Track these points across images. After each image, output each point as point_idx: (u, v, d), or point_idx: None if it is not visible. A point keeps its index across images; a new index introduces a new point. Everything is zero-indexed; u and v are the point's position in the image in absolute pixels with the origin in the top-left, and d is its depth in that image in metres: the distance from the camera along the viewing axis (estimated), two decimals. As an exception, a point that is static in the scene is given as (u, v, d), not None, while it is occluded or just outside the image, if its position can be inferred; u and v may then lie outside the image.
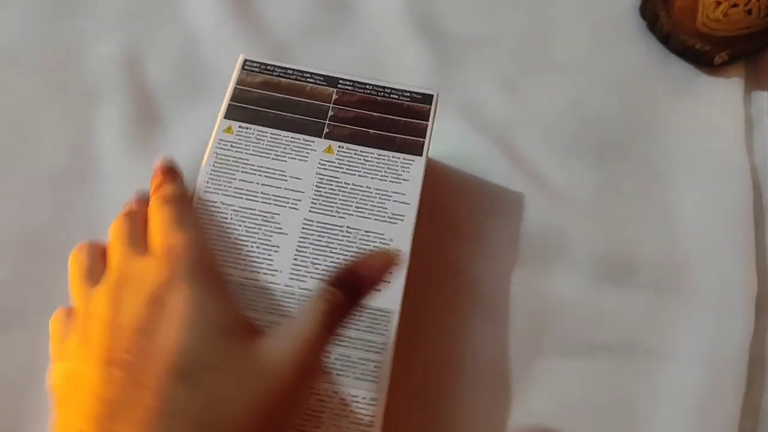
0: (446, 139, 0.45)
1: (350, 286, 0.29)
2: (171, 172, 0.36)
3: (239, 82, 0.39)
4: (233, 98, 0.38)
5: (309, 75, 0.39)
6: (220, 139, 0.37)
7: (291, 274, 0.34)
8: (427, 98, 0.40)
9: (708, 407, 0.38)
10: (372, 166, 0.37)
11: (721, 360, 0.39)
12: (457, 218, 0.43)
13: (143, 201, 0.35)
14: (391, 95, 0.39)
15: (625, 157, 0.45)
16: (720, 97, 0.47)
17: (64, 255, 0.40)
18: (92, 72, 0.46)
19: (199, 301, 0.27)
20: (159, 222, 0.32)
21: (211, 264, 0.31)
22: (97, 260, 0.33)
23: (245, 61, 0.39)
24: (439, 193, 0.43)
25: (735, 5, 0.44)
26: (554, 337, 0.40)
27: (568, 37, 0.50)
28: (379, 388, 0.33)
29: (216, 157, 0.36)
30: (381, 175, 0.37)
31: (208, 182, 0.36)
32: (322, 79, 0.39)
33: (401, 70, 0.48)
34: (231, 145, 0.37)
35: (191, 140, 0.44)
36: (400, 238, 0.36)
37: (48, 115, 0.45)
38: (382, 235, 0.36)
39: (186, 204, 0.34)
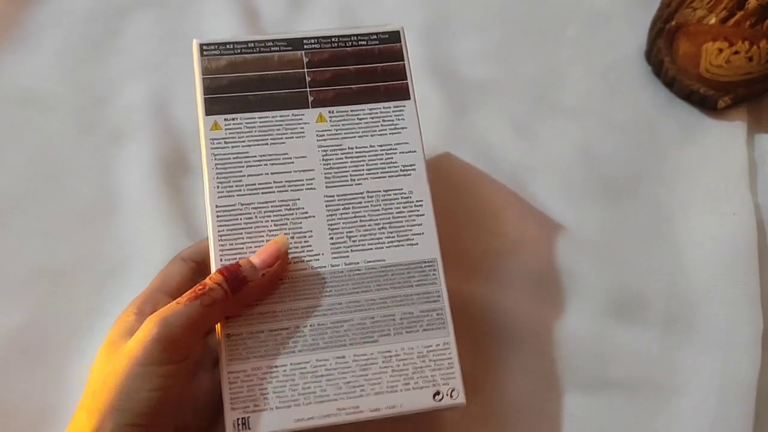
0: (458, 177, 0.46)
1: (229, 276, 0.32)
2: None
3: (204, 71, 0.36)
4: (206, 91, 0.36)
5: (272, 43, 0.37)
6: (211, 139, 0.35)
7: (333, 253, 0.35)
8: (395, 36, 0.39)
9: (717, 443, 0.39)
10: (367, 123, 0.37)
11: (730, 396, 0.39)
12: (469, 256, 0.44)
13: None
14: (360, 42, 0.38)
15: (633, 197, 0.47)
16: (724, 139, 0.49)
17: (86, 293, 0.42)
18: (120, 114, 0.48)
19: (108, 333, 0.34)
20: None
21: (138, 300, 0.35)
22: None
23: (201, 45, 0.37)
24: (451, 232, 0.44)
25: (737, 52, 0.46)
26: (565, 373, 0.41)
27: (577, 81, 0.51)
28: (447, 332, 0.35)
29: (215, 159, 0.35)
30: (379, 130, 0.37)
31: (218, 187, 0.35)
32: (285, 44, 0.37)
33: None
34: (224, 142, 0.35)
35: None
36: (417, 188, 0.36)
37: (76, 155, 0.46)
38: (401, 189, 0.36)
39: (174, 260, 0.38)
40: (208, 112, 0.36)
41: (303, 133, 0.36)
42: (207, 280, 0.32)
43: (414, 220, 0.36)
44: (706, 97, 0.49)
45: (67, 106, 0.48)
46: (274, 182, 0.35)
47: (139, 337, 0.30)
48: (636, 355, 0.41)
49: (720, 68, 0.47)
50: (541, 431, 0.39)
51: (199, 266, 0.37)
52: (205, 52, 0.37)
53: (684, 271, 0.44)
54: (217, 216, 0.34)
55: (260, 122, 0.36)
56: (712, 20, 0.46)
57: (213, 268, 0.34)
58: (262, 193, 0.35)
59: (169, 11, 0.53)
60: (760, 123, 0.50)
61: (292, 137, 0.36)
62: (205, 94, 0.36)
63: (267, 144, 0.36)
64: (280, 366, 0.33)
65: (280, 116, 0.36)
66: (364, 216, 0.35)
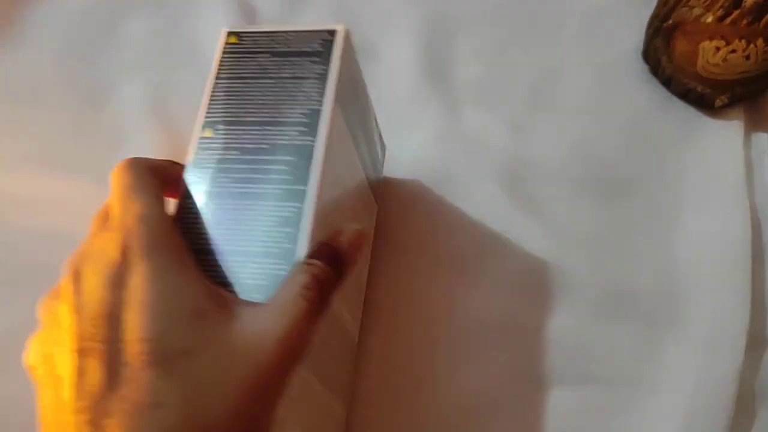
0: (454, 175, 0.46)
1: (332, 259, 0.28)
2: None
3: (343, 60, 0.34)
4: (340, 79, 0.33)
5: None
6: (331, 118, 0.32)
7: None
8: None
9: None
10: None
11: (705, 392, 0.39)
12: (460, 252, 0.44)
13: None
14: None
15: (629, 195, 0.47)
16: (721, 138, 0.48)
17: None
18: (116, 112, 0.48)
19: (162, 281, 0.25)
20: (115, 191, 0.29)
21: (171, 237, 0.27)
22: None
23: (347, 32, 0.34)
24: (443, 228, 0.44)
25: (734, 51, 0.46)
26: (548, 369, 0.41)
27: (574, 79, 0.51)
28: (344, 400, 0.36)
29: (331, 133, 0.32)
30: None
31: (328, 159, 0.31)
32: None
33: (413, 108, 0.49)
34: (334, 144, 0.32)
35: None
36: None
37: (72, 153, 0.46)
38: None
39: (143, 169, 0.29)
40: (338, 99, 0.33)
41: None
42: (320, 274, 0.27)
43: None
44: (703, 95, 0.49)
45: (63, 104, 0.48)
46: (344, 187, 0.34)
47: (286, 341, 0.25)
48: (618, 351, 0.41)
49: (717, 67, 0.47)
50: (520, 426, 0.39)
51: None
52: (346, 44, 0.34)
53: (675, 269, 0.44)
54: (320, 195, 0.31)
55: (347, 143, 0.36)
56: (709, 19, 0.46)
57: (304, 242, 0.29)
58: (336, 192, 0.33)
59: (166, 9, 0.54)
60: (757, 122, 0.50)
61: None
62: (339, 80, 0.33)
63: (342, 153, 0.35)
64: None
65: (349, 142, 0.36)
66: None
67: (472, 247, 0.44)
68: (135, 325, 0.24)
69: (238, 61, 0.35)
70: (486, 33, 0.53)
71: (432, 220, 0.45)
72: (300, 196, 0.30)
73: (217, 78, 0.35)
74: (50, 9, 0.52)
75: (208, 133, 0.33)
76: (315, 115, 0.32)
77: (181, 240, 0.28)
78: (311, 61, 0.34)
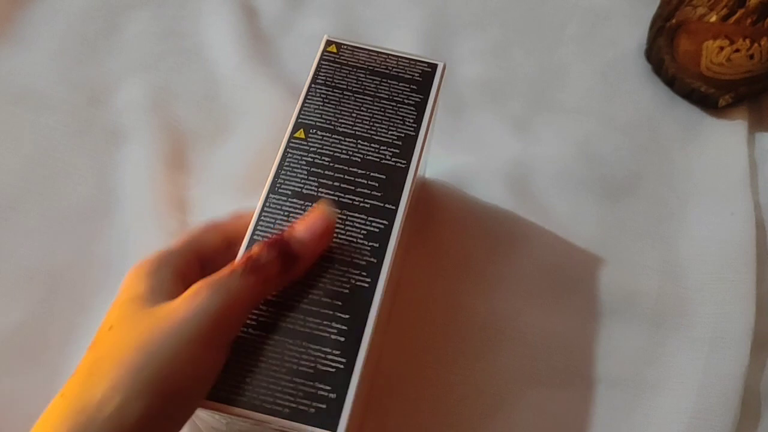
0: (457, 175, 0.46)
1: (282, 251, 0.29)
2: None
3: (439, 94, 0.36)
4: (434, 111, 0.36)
5: None
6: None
7: None
8: None
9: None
10: None
11: (713, 393, 0.39)
12: (463, 252, 0.44)
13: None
14: None
15: (632, 195, 0.46)
16: (725, 138, 0.48)
17: (82, 292, 0.41)
18: (117, 113, 0.48)
19: (128, 283, 0.29)
20: None
21: (172, 258, 0.30)
22: None
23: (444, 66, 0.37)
24: (446, 228, 0.44)
25: (737, 50, 0.46)
26: (553, 368, 0.40)
27: (577, 80, 0.51)
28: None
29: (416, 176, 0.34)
30: None
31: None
32: None
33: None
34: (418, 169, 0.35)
35: (213, 178, 0.45)
36: None
37: (73, 154, 0.46)
38: None
39: (204, 225, 0.33)
40: (429, 128, 0.36)
41: None
42: (257, 253, 0.29)
43: None
44: (707, 95, 0.48)
45: (63, 105, 0.48)
46: None
47: (190, 305, 0.27)
48: (623, 351, 0.41)
49: (721, 66, 0.47)
50: (523, 426, 0.39)
51: (230, 247, 0.32)
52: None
53: (678, 269, 0.44)
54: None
55: None
56: (713, 18, 0.46)
57: (390, 258, 0.31)
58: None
59: (166, 9, 0.53)
60: (761, 121, 0.50)
61: None
62: (432, 116, 0.36)
63: None
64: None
65: None
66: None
67: (476, 248, 0.44)
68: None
69: (337, 71, 0.36)
70: (488, 33, 0.53)
71: (434, 220, 0.44)
72: (389, 214, 0.32)
73: (313, 82, 0.36)
74: (50, 9, 0.52)
75: (300, 134, 0.34)
76: (409, 140, 0.34)
77: (186, 264, 0.30)
78: (409, 89, 0.36)
